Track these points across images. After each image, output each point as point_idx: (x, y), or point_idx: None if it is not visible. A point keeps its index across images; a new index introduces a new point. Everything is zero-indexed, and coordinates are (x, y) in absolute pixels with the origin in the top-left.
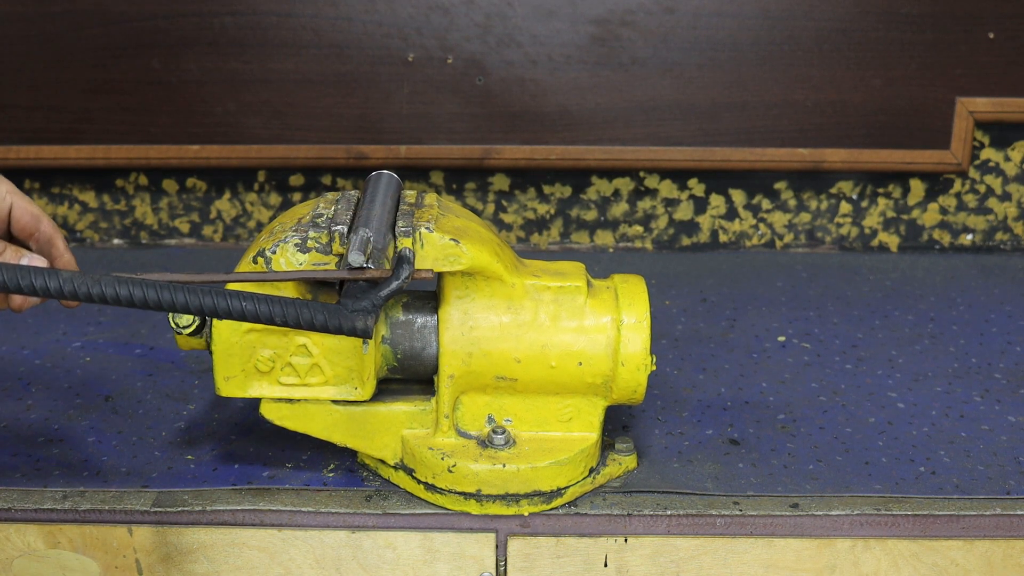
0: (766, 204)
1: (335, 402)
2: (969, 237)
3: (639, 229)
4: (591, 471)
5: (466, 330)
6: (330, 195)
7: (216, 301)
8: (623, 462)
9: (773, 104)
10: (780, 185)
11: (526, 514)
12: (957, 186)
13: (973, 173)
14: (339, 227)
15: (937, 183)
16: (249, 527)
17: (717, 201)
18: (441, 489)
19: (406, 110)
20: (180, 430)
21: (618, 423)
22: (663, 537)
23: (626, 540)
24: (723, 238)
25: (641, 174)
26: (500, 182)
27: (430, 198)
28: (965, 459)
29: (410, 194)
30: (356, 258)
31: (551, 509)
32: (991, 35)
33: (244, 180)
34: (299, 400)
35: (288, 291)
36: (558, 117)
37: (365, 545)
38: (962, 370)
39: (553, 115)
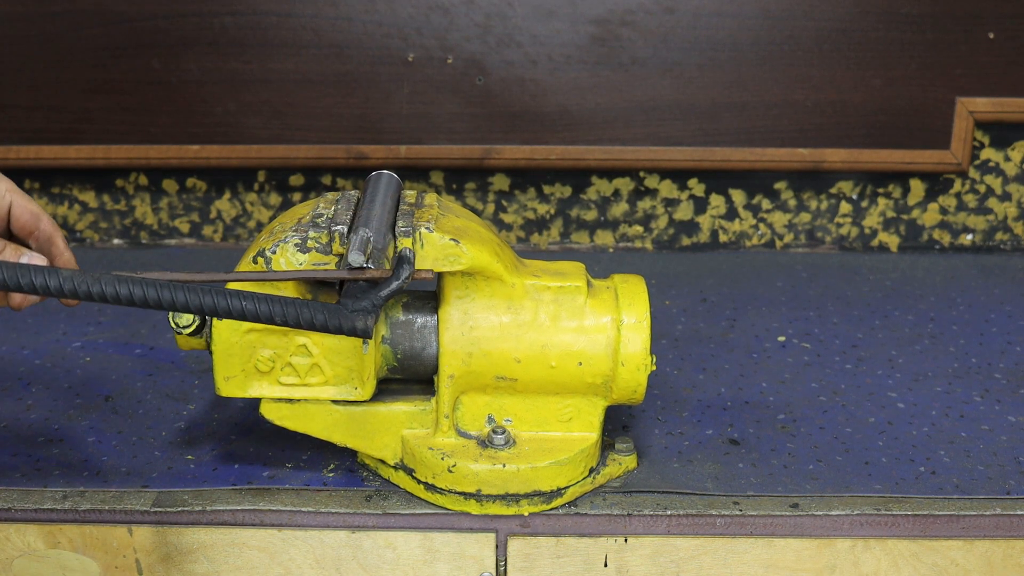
0: (766, 204)
1: (335, 402)
2: (969, 237)
3: (639, 229)
4: (591, 471)
5: (466, 330)
6: (330, 195)
7: (216, 300)
8: (623, 462)
9: (773, 104)
10: (780, 185)
11: (526, 514)
12: (957, 186)
13: (973, 173)
14: (339, 227)
15: (937, 183)
16: (249, 527)
17: (717, 201)
18: (441, 489)
19: (406, 110)
20: (180, 430)
21: (618, 423)
22: (663, 537)
23: (626, 540)
24: (723, 238)
25: (641, 174)
26: (500, 182)
27: (430, 198)
28: (965, 459)
29: (410, 194)
30: (356, 258)
31: (551, 509)
32: (991, 35)
33: (244, 180)
34: (299, 400)
35: (288, 291)
36: (558, 117)
37: (365, 545)
38: (962, 370)
39: (553, 115)
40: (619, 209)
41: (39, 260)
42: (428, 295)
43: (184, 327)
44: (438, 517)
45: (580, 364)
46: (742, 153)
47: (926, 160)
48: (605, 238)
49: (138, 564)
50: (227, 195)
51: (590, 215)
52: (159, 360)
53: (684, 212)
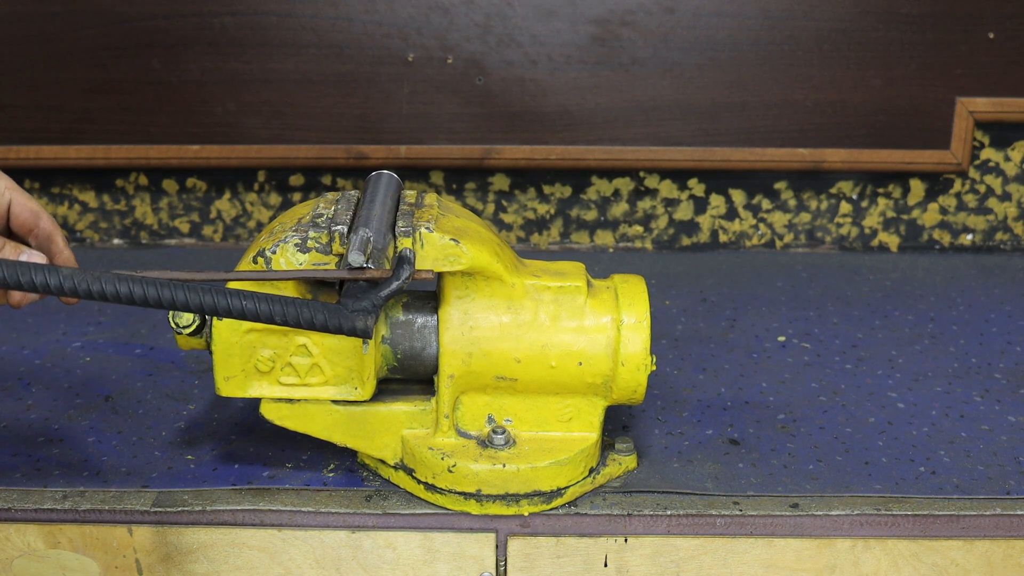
0: (766, 204)
1: (335, 402)
2: (969, 237)
3: (639, 229)
4: (591, 471)
5: (466, 330)
6: (330, 195)
7: (216, 299)
8: (623, 462)
9: (773, 104)
10: (780, 185)
11: (526, 514)
12: (957, 186)
13: (973, 173)
14: (339, 227)
15: (937, 183)
16: (249, 527)
17: (717, 201)
18: (441, 489)
19: (406, 110)
20: (180, 430)
21: (618, 423)
22: (663, 537)
23: (626, 540)
24: (723, 238)
25: (641, 174)
26: (500, 182)
27: (430, 198)
28: (965, 459)
29: (410, 194)
30: (356, 258)
31: (551, 509)
32: (991, 35)
33: (244, 180)
34: (299, 400)
35: (288, 291)
36: (558, 117)
37: (365, 545)
38: (962, 370)
39: (553, 115)
40: (619, 209)
41: (38, 258)
42: (428, 295)
43: (184, 327)
44: (438, 517)
45: (580, 364)
46: (742, 153)
47: (926, 160)
48: (605, 238)
49: (138, 564)
50: (227, 195)
51: (590, 215)
52: (159, 360)
53: (684, 212)
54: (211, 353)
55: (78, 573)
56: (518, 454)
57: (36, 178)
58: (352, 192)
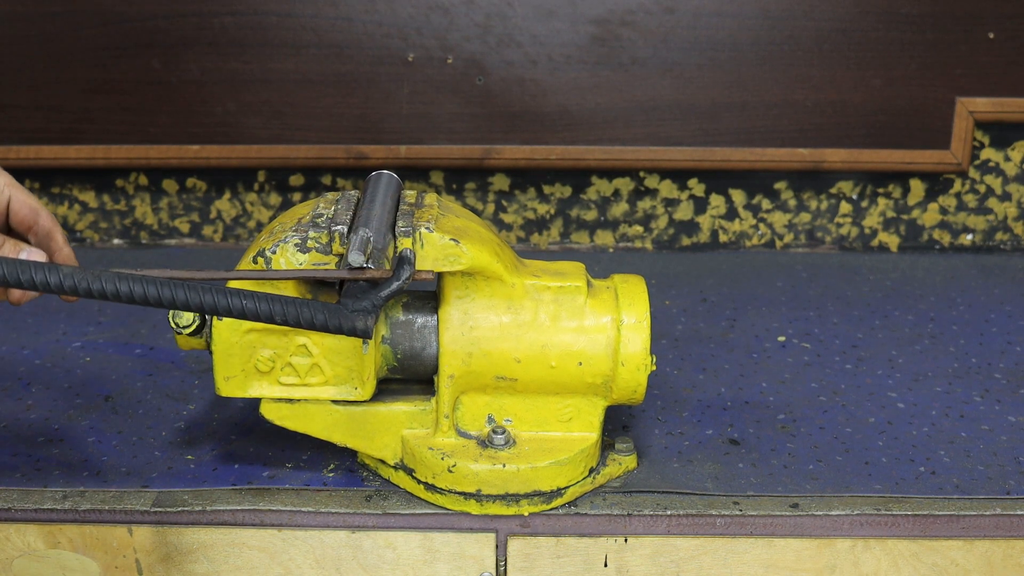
0: (766, 204)
1: (335, 402)
2: (969, 237)
3: (639, 229)
4: (591, 471)
5: (466, 330)
6: (330, 195)
7: (216, 298)
8: (623, 462)
9: (773, 104)
10: (780, 185)
11: (526, 514)
12: (957, 186)
13: (973, 173)
14: (339, 227)
15: (937, 183)
16: (249, 527)
17: (717, 201)
18: (441, 489)
19: (406, 110)
20: (180, 430)
21: (618, 423)
22: (663, 537)
23: (626, 540)
24: (723, 238)
25: (641, 174)
26: (500, 182)
27: (430, 198)
28: (965, 459)
29: (410, 194)
30: (356, 258)
31: (551, 509)
32: (991, 35)
33: (244, 180)
34: (299, 400)
35: (288, 291)
36: (558, 117)
37: (365, 545)
38: (962, 370)
39: (553, 115)
40: (619, 209)
41: (38, 255)
42: (428, 295)
43: (184, 327)
44: (438, 517)
45: (580, 364)
46: (742, 153)
47: (926, 160)
48: (605, 238)
49: (138, 564)
50: (227, 195)
51: (590, 215)
52: (159, 360)
53: (684, 212)
54: (211, 353)
55: (78, 573)
56: (518, 454)
57: (36, 178)
58: (352, 192)
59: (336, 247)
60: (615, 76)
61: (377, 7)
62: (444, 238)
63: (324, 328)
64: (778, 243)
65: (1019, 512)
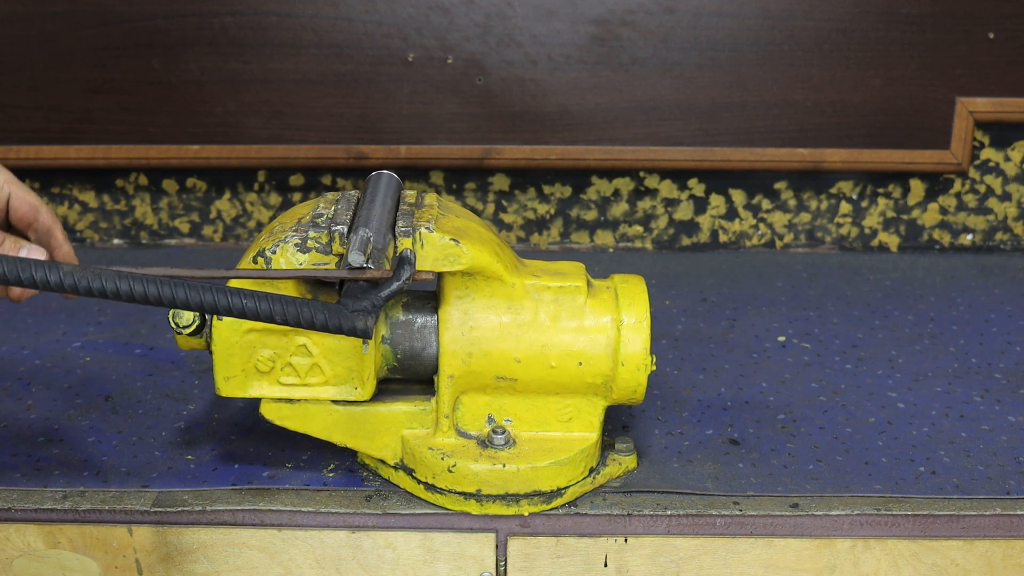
0: (766, 204)
1: (335, 402)
2: (969, 237)
3: (639, 229)
4: (591, 471)
5: (466, 330)
6: (330, 195)
7: (216, 298)
8: (623, 462)
9: (773, 104)
10: (780, 185)
11: (526, 514)
12: (957, 186)
13: (973, 173)
14: (339, 227)
15: (937, 183)
16: (249, 527)
17: (717, 201)
18: (441, 489)
19: (406, 110)
20: (180, 430)
21: (618, 423)
22: (663, 537)
23: (626, 540)
24: (723, 238)
25: (641, 174)
26: (500, 182)
27: (430, 198)
28: (965, 459)
29: (410, 194)
30: (356, 258)
31: (551, 509)
32: (991, 35)
33: (244, 180)
34: (299, 400)
35: (288, 291)
36: (558, 117)
37: (365, 545)
38: (962, 370)
39: (553, 115)
40: (619, 209)
41: (38, 252)
42: (428, 295)
43: (184, 327)
44: (438, 517)
45: (580, 364)
46: (742, 153)
47: (926, 160)
48: (605, 238)
49: (138, 564)
50: (227, 195)
51: (590, 215)
52: (159, 360)
53: (684, 212)
54: (211, 353)
55: (78, 573)
56: (518, 454)
57: (36, 178)
58: (352, 192)
59: (336, 247)
60: (615, 76)
61: (377, 7)
62: (444, 238)
63: (324, 328)
64: (778, 243)
65: (1019, 512)
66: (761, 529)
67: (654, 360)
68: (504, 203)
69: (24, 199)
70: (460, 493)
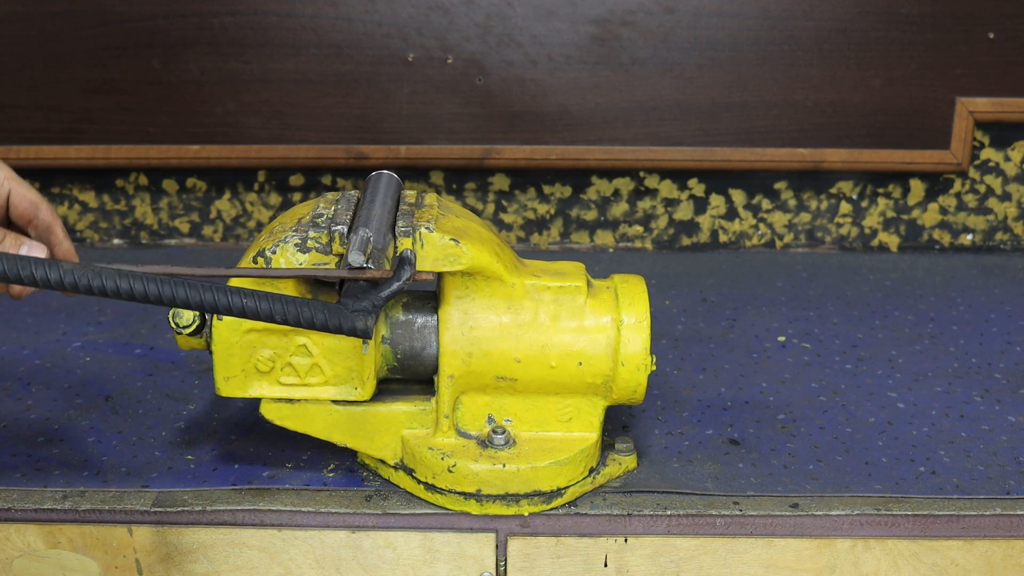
0: (766, 204)
1: (335, 402)
2: (969, 237)
3: (639, 229)
4: (591, 471)
5: (466, 330)
6: (330, 195)
7: (216, 297)
8: (623, 462)
9: (773, 104)
10: (780, 185)
11: (526, 514)
12: (957, 186)
13: (973, 173)
14: (339, 227)
15: (937, 183)
16: (249, 527)
17: (717, 201)
18: (441, 489)
19: (406, 110)
20: (180, 430)
21: (618, 423)
22: (663, 537)
23: (626, 540)
24: (723, 238)
25: (641, 174)
26: (500, 182)
27: (430, 198)
28: (965, 459)
29: (410, 194)
30: (356, 258)
31: (551, 509)
32: (991, 35)
33: (244, 180)
34: (299, 400)
35: (288, 291)
36: (558, 117)
37: (365, 545)
38: (962, 370)
39: (553, 115)
40: (619, 209)
41: (39, 249)
42: (428, 295)
43: (184, 327)
44: (438, 517)
45: (580, 364)
46: (742, 153)
47: (926, 160)
48: (605, 238)
49: (138, 564)
50: (227, 195)
51: (590, 215)
52: (159, 360)
53: (684, 212)
54: (211, 353)
55: (78, 573)
56: (518, 454)
57: (36, 178)
58: (352, 192)
59: (336, 247)
60: (615, 76)
61: (377, 7)
62: (444, 238)
63: (324, 328)
64: (778, 243)
65: (1019, 512)
66: (761, 529)
67: (654, 360)
68: (504, 203)
69: (24, 195)
70: (460, 493)
